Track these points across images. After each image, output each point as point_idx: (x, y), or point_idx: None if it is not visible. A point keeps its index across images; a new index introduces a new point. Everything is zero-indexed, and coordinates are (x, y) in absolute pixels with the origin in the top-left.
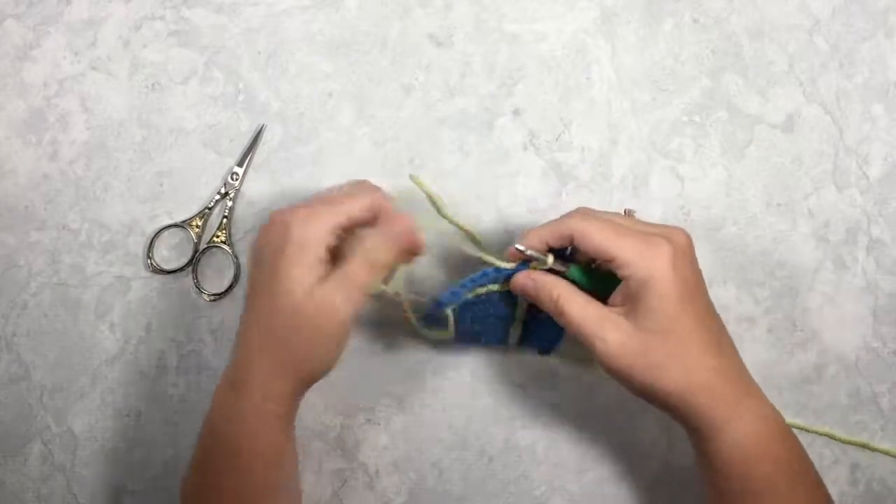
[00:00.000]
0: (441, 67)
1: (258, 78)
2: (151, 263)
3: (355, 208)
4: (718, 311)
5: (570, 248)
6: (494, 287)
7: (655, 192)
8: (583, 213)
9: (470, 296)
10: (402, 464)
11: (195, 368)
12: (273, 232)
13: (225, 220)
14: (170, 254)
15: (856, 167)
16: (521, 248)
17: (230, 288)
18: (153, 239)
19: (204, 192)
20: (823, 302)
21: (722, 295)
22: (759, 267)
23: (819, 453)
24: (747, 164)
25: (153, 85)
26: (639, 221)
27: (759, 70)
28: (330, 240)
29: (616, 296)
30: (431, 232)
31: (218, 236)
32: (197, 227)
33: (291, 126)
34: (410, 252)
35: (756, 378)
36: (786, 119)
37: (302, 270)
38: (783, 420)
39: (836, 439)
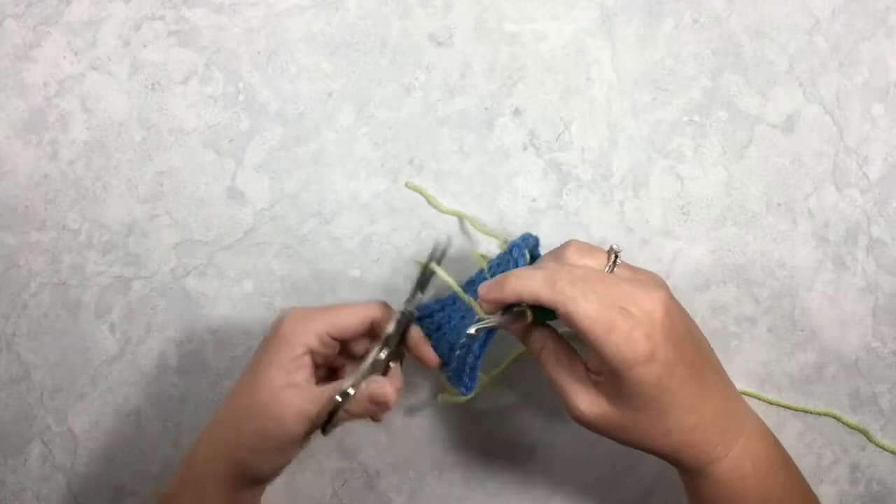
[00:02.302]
0: (441, 67)
1: (258, 78)
2: None
3: (347, 317)
4: (718, 311)
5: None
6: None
7: (655, 192)
8: (570, 287)
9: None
10: (402, 464)
11: (195, 368)
12: (274, 320)
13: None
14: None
15: (856, 167)
16: (472, 329)
17: None
18: None
19: (204, 192)
20: (823, 302)
21: (722, 295)
22: (759, 267)
23: (818, 454)
24: (747, 164)
25: (153, 85)
26: (619, 274)
27: (759, 70)
28: (314, 344)
29: (592, 361)
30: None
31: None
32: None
33: (291, 126)
34: (376, 413)
35: (756, 378)
36: (786, 119)
37: (277, 367)
38: (772, 445)
39: (839, 420)
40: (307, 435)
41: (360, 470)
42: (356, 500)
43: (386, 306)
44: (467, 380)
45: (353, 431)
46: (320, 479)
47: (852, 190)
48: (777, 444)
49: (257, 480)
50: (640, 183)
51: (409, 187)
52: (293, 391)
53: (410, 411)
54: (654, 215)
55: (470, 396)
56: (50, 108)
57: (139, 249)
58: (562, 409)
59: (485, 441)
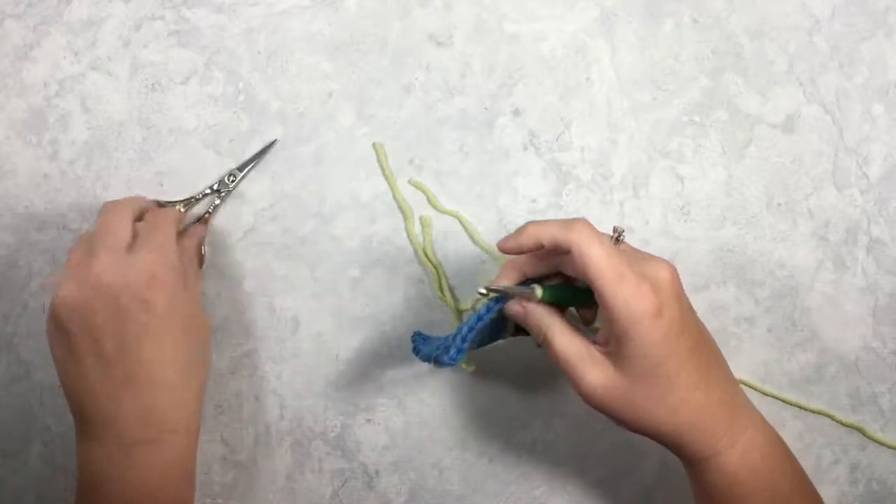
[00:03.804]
0: (441, 67)
1: (258, 78)
2: None
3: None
4: (718, 311)
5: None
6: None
7: (655, 192)
8: (587, 232)
9: (475, 336)
10: (402, 464)
11: None
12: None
13: (207, 215)
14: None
15: (856, 167)
16: (482, 289)
17: None
18: None
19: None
20: (823, 302)
21: (722, 295)
22: (759, 267)
23: (818, 454)
24: (747, 164)
25: (153, 85)
26: (626, 250)
27: (759, 70)
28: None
29: (601, 334)
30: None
31: None
32: (179, 212)
33: (291, 126)
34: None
35: (756, 378)
36: (786, 119)
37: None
38: (777, 441)
39: (834, 419)
40: None
41: (360, 470)
42: (356, 500)
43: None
44: (454, 351)
45: (353, 431)
46: (320, 479)
47: (852, 190)
48: (782, 441)
49: None
50: (640, 183)
51: (411, 184)
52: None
53: (411, 411)
54: (654, 215)
55: (463, 364)
56: (50, 108)
57: None
58: (561, 408)
59: (484, 441)
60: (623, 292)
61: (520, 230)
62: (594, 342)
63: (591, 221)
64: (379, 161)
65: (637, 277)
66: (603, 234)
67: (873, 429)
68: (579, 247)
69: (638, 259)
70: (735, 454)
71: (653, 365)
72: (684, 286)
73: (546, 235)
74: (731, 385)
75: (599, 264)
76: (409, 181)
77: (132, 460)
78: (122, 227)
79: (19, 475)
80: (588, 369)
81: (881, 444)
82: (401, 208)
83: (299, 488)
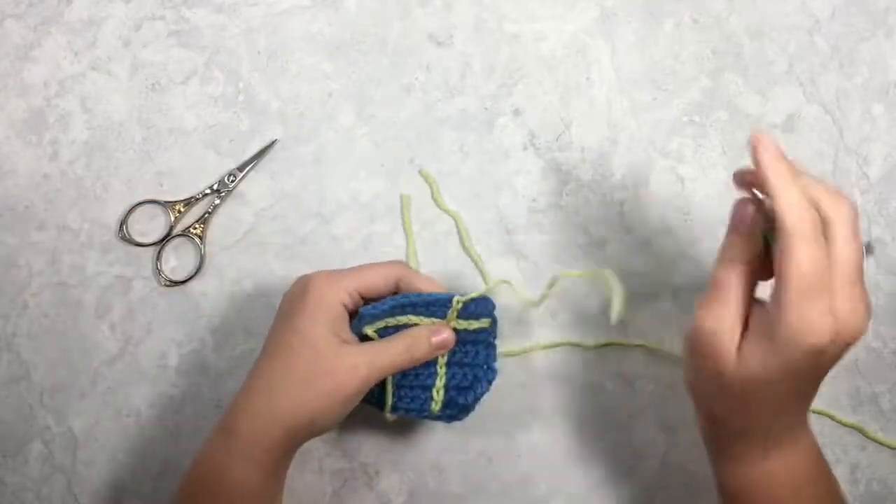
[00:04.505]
0: (441, 67)
1: (258, 78)
2: (125, 232)
3: (375, 276)
4: None
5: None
6: (420, 320)
7: (655, 192)
8: (846, 214)
9: (392, 322)
10: (402, 464)
11: (195, 368)
12: (294, 288)
13: (207, 215)
14: (144, 228)
15: (856, 167)
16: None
17: (187, 279)
18: (132, 209)
19: (204, 192)
20: None
21: None
22: None
23: None
24: (747, 164)
25: (153, 85)
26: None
27: (759, 70)
28: (347, 302)
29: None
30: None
31: (195, 228)
32: (179, 211)
33: (291, 126)
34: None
35: None
36: (786, 119)
37: (324, 327)
38: (823, 459)
39: (833, 419)
40: (375, 383)
41: (360, 470)
42: (356, 500)
43: (405, 264)
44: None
45: (353, 431)
46: (320, 479)
47: (852, 190)
48: (826, 461)
49: (318, 435)
50: (640, 183)
51: (421, 175)
52: (355, 347)
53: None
54: (654, 215)
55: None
56: (50, 108)
57: (139, 250)
58: (562, 408)
59: (484, 441)
60: (804, 312)
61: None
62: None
63: (591, 221)
64: (402, 211)
65: (824, 309)
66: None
67: (873, 429)
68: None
69: (855, 293)
70: (789, 456)
71: (790, 363)
72: (685, 287)
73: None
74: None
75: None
76: (419, 171)
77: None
78: None
79: (19, 475)
80: (730, 322)
81: (881, 444)
82: (409, 259)
83: (299, 488)
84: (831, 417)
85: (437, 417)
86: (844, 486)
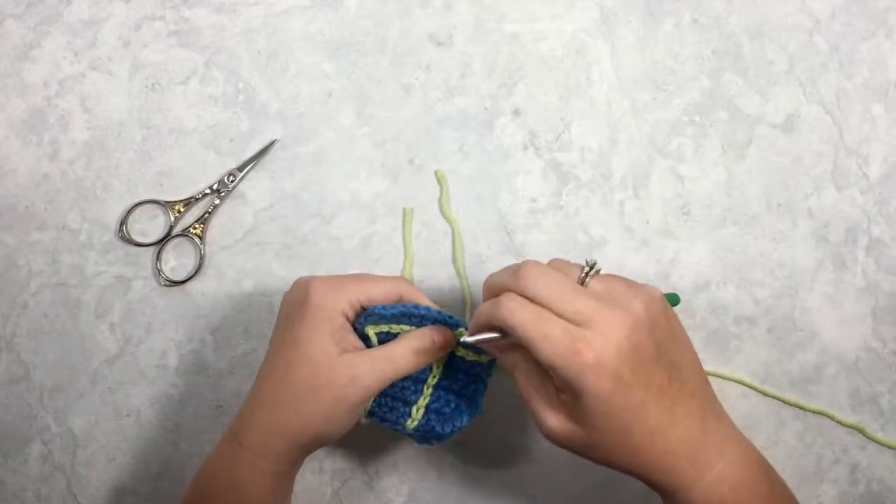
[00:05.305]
0: (441, 67)
1: (258, 78)
2: (125, 232)
3: (377, 290)
4: (718, 310)
5: None
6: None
7: (655, 192)
8: (509, 303)
9: (395, 329)
10: (402, 464)
11: (195, 368)
12: (295, 292)
13: (207, 215)
14: (144, 228)
15: (856, 167)
16: (468, 340)
17: (187, 279)
18: (132, 209)
19: (204, 192)
20: (823, 302)
21: (722, 295)
22: (759, 267)
23: (818, 454)
24: (747, 164)
25: (153, 85)
26: (596, 287)
27: (759, 70)
28: (349, 311)
29: (556, 378)
30: None
31: (195, 228)
32: (179, 211)
33: (291, 126)
34: (445, 350)
35: (756, 378)
36: (786, 119)
37: (328, 337)
38: (759, 474)
39: (833, 419)
40: (378, 392)
41: (360, 470)
42: (356, 500)
43: (409, 281)
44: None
45: (353, 432)
46: (320, 479)
47: (852, 190)
48: (766, 473)
49: (327, 444)
50: (640, 183)
51: (436, 176)
52: (356, 356)
53: None
54: (654, 215)
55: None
56: (50, 108)
57: (139, 250)
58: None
59: (484, 442)
60: (558, 345)
61: (475, 317)
62: (556, 387)
63: (591, 221)
64: (403, 225)
65: (568, 334)
66: (569, 265)
67: (873, 429)
68: (504, 322)
69: (589, 307)
70: (701, 489)
71: (603, 416)
72: (685, 286)
73: (482, 319)
74: (704, 420)
75: (525, 331)
76: (434, 172)
77: None
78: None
79: (19, 475)
80: (548, 415)
81: (881, 444)
82: (405, 274)
83: (299, 488)
84: (831, 417)
85: (409, 434)
86: (844, 486)
